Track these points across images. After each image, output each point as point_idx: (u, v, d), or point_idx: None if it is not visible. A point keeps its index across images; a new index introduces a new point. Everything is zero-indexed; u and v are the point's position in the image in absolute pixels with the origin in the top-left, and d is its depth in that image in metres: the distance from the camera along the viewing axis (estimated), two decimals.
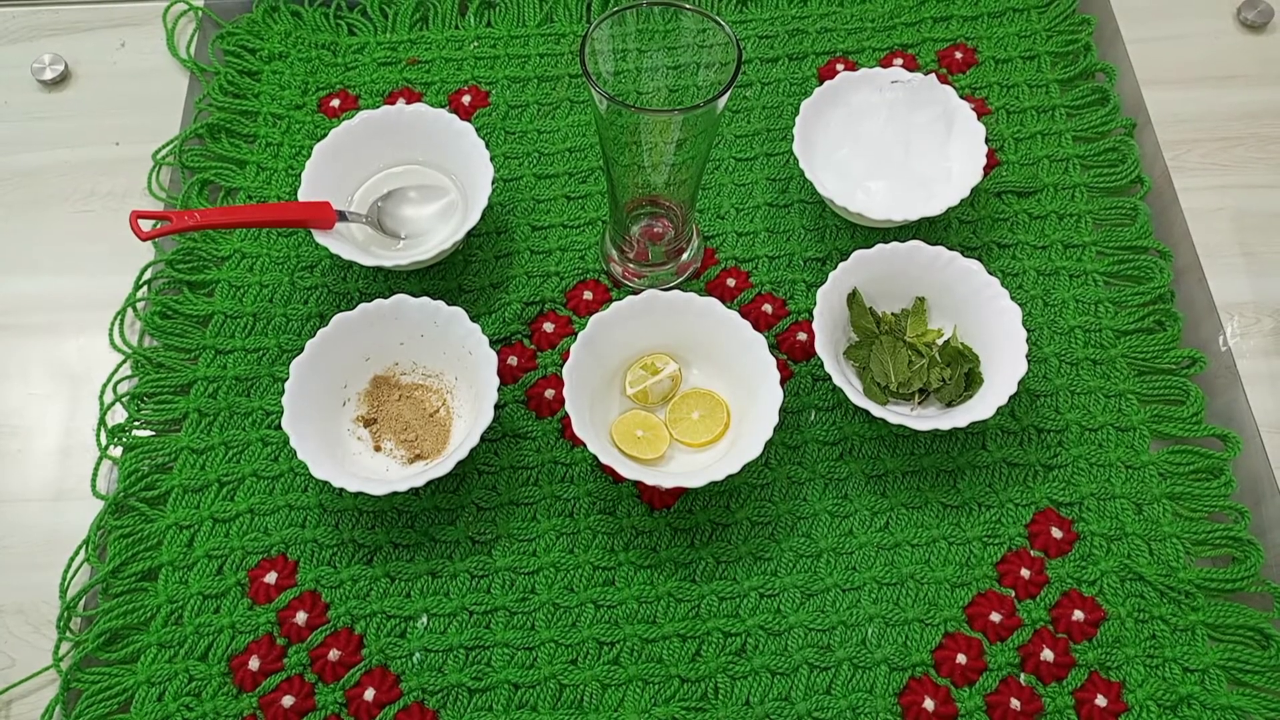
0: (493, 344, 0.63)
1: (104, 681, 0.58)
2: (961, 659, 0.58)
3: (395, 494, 0.62)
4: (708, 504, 0.63)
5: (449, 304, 0.64)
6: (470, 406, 0.65)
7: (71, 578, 0.62)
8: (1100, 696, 0.57)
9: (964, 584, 0.61)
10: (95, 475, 0.64)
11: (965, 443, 0.65)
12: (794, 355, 0.68)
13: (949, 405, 0.63)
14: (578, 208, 0.74)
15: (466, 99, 0.78)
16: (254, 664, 0.58)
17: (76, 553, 0.62)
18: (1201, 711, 0.57)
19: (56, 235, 0.74)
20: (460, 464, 0.59)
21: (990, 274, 0.64)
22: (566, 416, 0.60)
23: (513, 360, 0.68)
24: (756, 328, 0.63)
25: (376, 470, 0.63)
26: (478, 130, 0.70)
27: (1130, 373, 0.67)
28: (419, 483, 0.59)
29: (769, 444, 0.59)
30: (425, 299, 0.64)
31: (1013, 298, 0.63)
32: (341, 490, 0.61)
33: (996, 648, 0.59)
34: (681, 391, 0.65)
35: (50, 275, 0.73)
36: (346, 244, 0.67)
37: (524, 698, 0.58)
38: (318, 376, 0.63)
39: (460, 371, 0.65)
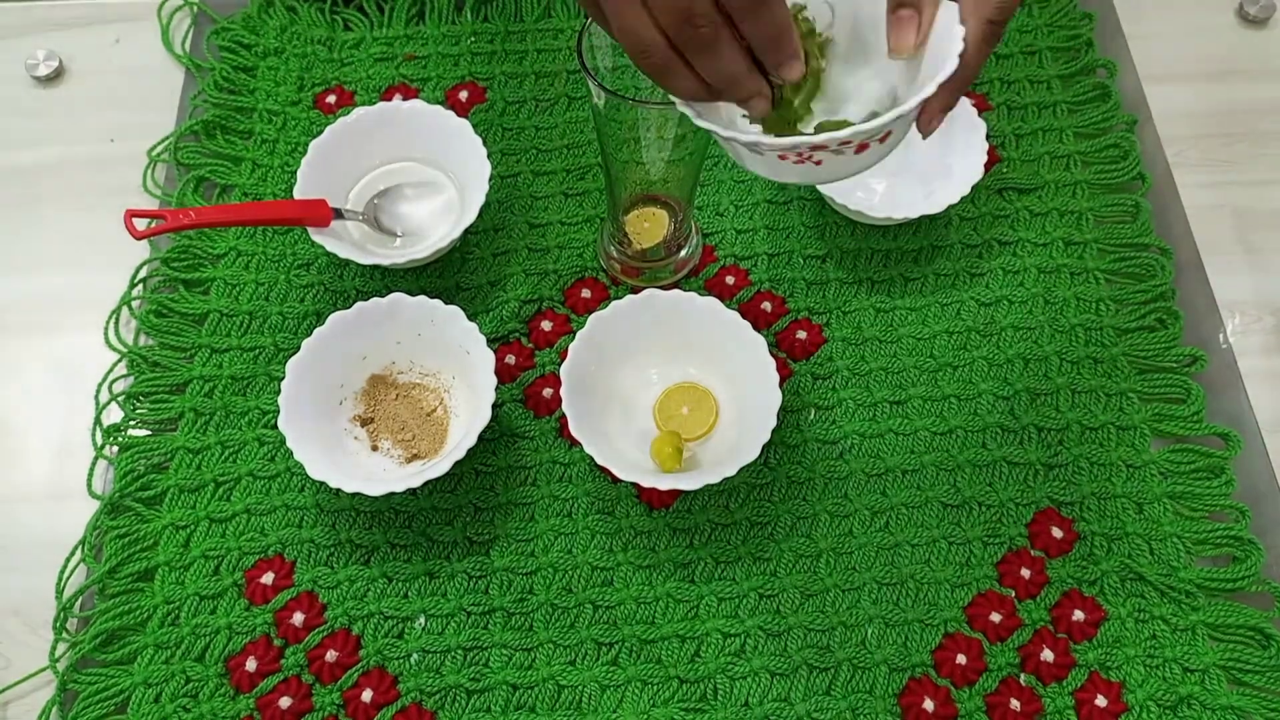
0: (490, 343, 0.63)
1: (101, 683, 0.58)
2: (961, 659, 0.58)
3: (392, 494, 0.61)
4: (706, 504, 0.62)
5: (446, 302, 0.63)
6: (468, 406, 0.64)
7: (67, 578, 0.61)
8: (1100, 697, 0.57)
9: (964, 584, 0.60)
10: (91, 475, 0.64)
11: (965, 441, 0.65)
12: (794, 354, 0.67)
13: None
14: (576, 205, 0.73)
15: (463, 95, 0.78)
16: (251, 665, 0.58)
17: (72, 553, 0.62)
18: (1202, 712, 0.57)
19: (51, 233, 0.74)
20: (458, 464, 0.59)
21: None
22: (564, 416, 0.60)
23: (510, 359, 0.67)
24: (756, 326, 0.63)
25: (374, 470, 0.63)
26: (475, 127, 0.70)
27: (1131, 371, 0.66)
28: (416, 483, 0.58)
29: (767, 445, 0.58)
30: (422, 298, 0.63)
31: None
32: (338, 490, 0.61)
33: (996, 648, 0.59)
34: (665, 389, 0.65)
35: (44, 273, 0.72)
36: (343, 242, 0.66)
37: (522, 699, 0.58)
38: (314, 376, 0.62)
39: (458, 371, 0.65)
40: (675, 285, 0.69)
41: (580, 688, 0.58)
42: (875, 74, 0.49)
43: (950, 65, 0.43)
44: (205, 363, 0.67)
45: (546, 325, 0.69)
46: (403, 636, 0.59)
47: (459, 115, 0.70)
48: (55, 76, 0.80)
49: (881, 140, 0.45)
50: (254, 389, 0.67)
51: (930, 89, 0.42)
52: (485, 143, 0.68)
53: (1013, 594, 0.60)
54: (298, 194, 0.67)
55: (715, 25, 0.41)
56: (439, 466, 0.59)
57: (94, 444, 0.65)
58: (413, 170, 0.72)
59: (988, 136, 0.69)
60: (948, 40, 0.44)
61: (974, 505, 0.63)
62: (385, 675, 0.58)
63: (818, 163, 0.45)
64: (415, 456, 0.63)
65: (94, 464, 0.64)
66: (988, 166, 0.69)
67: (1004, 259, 0.71)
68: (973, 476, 0.63)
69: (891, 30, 0.46)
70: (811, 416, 0.66)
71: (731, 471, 0.57)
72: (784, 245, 0.71)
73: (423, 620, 0.60)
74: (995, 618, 0.59)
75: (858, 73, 0.50)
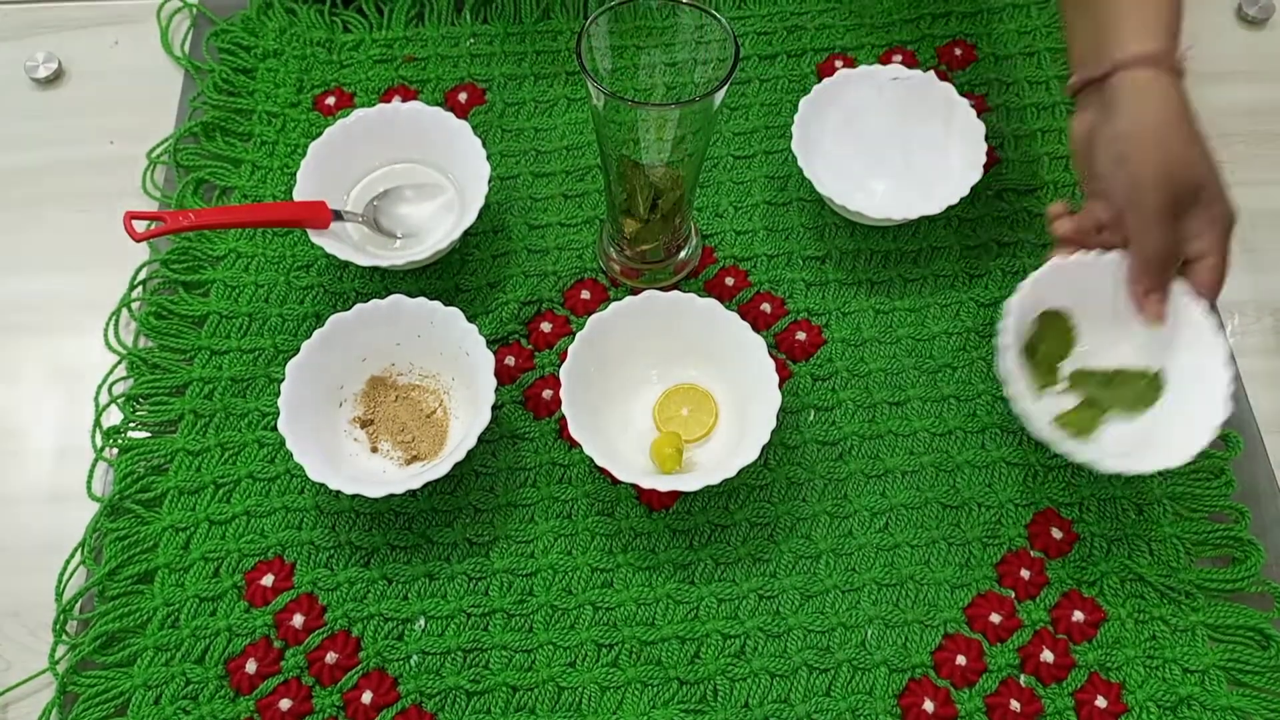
0: (490, 344, 0.63)
1: (100, 685, 0.58)
2: (961, 660, 0.58)
3: (392, 496, 0.61)
4: (706, 505, 0.62)
5: (446, 304, 0.63)
6: (467, 407, 0.64)
7: (67, 580, 0.61)
8: (1100, 697, 0.57)
9: (964, 585, 0.60)
10: (91, 477, 0.64)
11: (965, 442, 0.64)
12: (793, 355, 0.67)
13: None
14: (575, 206, 0.73)
15: (463, 96, 0.78)
16: (251, 667, 0.58)
17: (72, 555, 0.62)
18: (1201, 712, 0.57)
19: (50, 235, 0.74)
20: (457, 465, 0.59)
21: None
22: (564, 417, 0.60)
23: (510, 360, 0.67)
24: (755, 327, 0.63)
25: (373, 471, 0.63)
26: (474, 128, 0.70)
27: None
28: (415, 484, 0.58)
29: (767, 445, 0.58)
30: (422, 299, 0.63)
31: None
32: (338, 492, 0.61)
33: (996, 649, 0.59)
34: (665, 390, 0.65)
35: (44, 275, 0.72)
36: (342, 244, 0.66)
37: (522, 700, 0.58)
38: (314, 378, 0.63)
39: (457, 372, 0.65)
40: (675, 286, 0.69)
41: (580, 689, 0.58)
42: (1122, 336, 0.61)
43: (1223, 409, 0.56)
44: (205, 365, 0.67)
45: (546, 327, 0.69)
46: (403, 638, 0.59)
47: (458, 117, 0.70)
48: (55, 79, 0.80)
49: None
50: (254, 391, 0.67)
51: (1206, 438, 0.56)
52: (484, 144, 0.68)
53: (1012, 595, 0.60)
54: (297, 196, 0.67)
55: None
56: (438, 468, 0.59)
57: (94, 446, 0.65)
58: (412, 172, 0.72)
59: (986, 138, 0.69)
60: (1183, 310, 0.58)
61: (973, 506, 0.63)
62: (385, 677, 0.58)
63: None
64: (415, 458, 0.63)
65: (94, 466, 0.64)
66: (986, 168, 0.69)
67: (1003, 260, 0.71)
68: (972, 477, 0.63)
69: (1144, 308, 0.58)
70: (811, 418, 0.66)
71: (731, 473, 0.57)
72: (783, 246, 0.71)
73: (423, 622, 0.60)
74: (995, 618, 0.59)
75: (1108, 335, 0.62)
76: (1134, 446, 0.58)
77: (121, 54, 0.81)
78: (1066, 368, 0.62)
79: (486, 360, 0.62)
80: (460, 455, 0.59)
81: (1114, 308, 0.60)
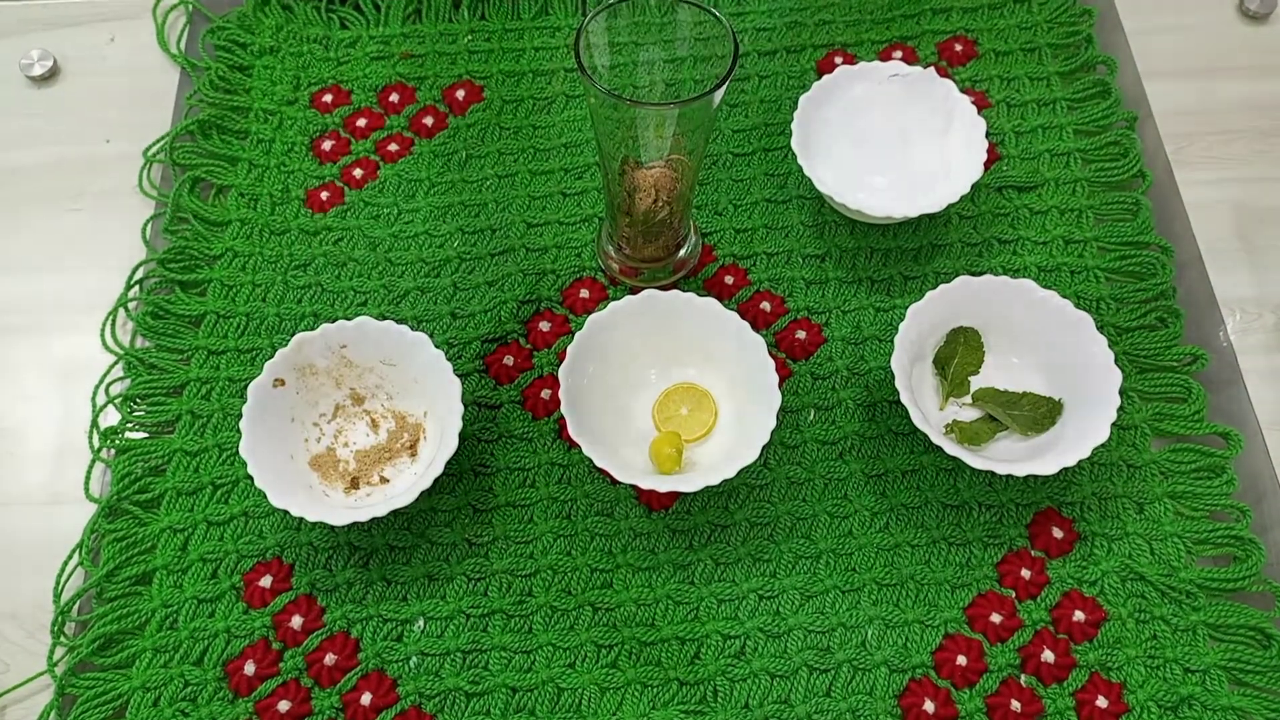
0: (488, 343, 0.62)
1: (99, 687, 0.58)
2: (962, 660, 0.58)
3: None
4: (706, 505, 0.62)
5: (445, 301, 0.62)
6: (435, 431, 0.62)
7: (65, 582, 0.61)
8: (1101, 697, 0.57)
9: (964, 585, 0.60)
10: (88, 478, 0.64)
11: None
12: (793, 354, 0.67)
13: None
14: (574, 204, 0.73)
15: (460, 94, 0.77)
16: (249, 669, 0.58)
17: (70, 556, 0.62)
18: (1202, 712, 0.57)
19: (46, 234, 0.74)
20: (457, 464, 0.58)
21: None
22: (563, 417, 0.59)
23: (508, 360, 0.67)
24: (755, 326, 0.62)
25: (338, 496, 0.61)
26: (472, 126, 0.69)
27: (1132, 370, 0.66)
28: (381, 512, 0.57)
29: (767, 445, 0.58)
30: (390, 323, 0.61)
31: None
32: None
33: (997, 649, 0.59)
34: (664, 390, 0.64)
35: (40, 275, 0.72)
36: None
37: (522, 701, 0.58)
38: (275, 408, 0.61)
39: (430, 402, 0.63)
40: (674, 285, 0.69)
41: (580, 690, 0.58)
42: (1029, 362, 0.64)
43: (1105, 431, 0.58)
44: (202, 365, 0.67)
45: (545, 326, 0.68)
46: (402, 639, 0.59)
47: (456, 114, 0.69)
48: (50, 76, 0.79)
49: None
50: None
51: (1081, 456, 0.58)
52: (482, 142, 0.68)
53: (1013, 595, 0.60)
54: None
55: None
56: (405, 497, 0.58)
57: (91, 447, 0.65)
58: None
59: (987, 134, 0.69)
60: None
61: (974, 506, 0.63)
62: (384, 678, 0.58)
63: None
64: (384, 480, 0.62)
65: (91, 467, 0.64)
66: (987, 164, 0.69)
67: (1004, 257, 0.70)
68: (972, 477, 0.63)
69: None
70: (811, 417, 0.65)
71: (731, 473, 0.57)
72: (783, 244, 0.71)
73: (422, 623, 0.60)
74: (996, 618, 0.59)
75: (1015, 357, 0.65)
76: (1018, 456, 0.61)
77: (117, 51, 0.81)
78: (975, 383, 0.64)
79: (453, 387, 0.59)
80: (427, 483, 0.57)
81: (1021, 330, 0.64)
